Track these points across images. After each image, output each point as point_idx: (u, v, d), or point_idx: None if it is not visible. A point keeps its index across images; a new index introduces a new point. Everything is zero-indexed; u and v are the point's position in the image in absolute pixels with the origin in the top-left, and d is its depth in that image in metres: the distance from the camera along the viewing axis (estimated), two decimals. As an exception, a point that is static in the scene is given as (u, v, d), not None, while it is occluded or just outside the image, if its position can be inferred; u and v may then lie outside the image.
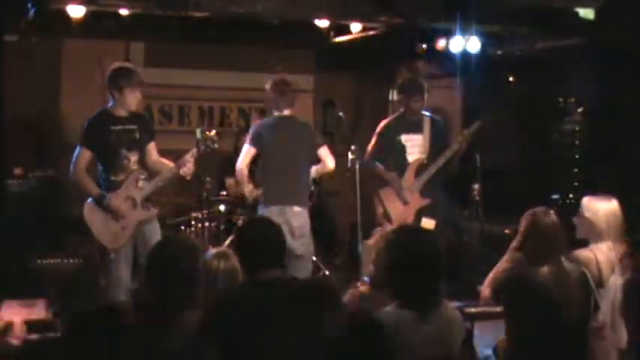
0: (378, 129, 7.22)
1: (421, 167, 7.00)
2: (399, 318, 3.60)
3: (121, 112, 6.07)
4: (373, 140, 7.14)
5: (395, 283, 3.73)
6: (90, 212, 6.02)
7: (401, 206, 6.97)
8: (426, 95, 7.15)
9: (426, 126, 7.04)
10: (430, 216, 6.90)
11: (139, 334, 3.65)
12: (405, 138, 7.03)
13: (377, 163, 7.05)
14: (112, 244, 6.00)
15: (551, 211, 4.42)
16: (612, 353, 4.58)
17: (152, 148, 6.27)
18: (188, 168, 6.10)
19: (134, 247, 6.06)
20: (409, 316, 3.61)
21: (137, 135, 6.12)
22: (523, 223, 4.41)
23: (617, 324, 4.63)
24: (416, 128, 7.04)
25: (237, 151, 8.64)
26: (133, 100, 6.05)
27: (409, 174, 6.98)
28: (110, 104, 6.11)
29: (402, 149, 7.03)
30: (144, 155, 6.18)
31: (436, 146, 7.01)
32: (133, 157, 6.08)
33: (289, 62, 9.55)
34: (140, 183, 6.10)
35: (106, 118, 6.07)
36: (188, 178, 6.22)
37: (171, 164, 6.21)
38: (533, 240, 4.33)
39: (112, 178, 6.04)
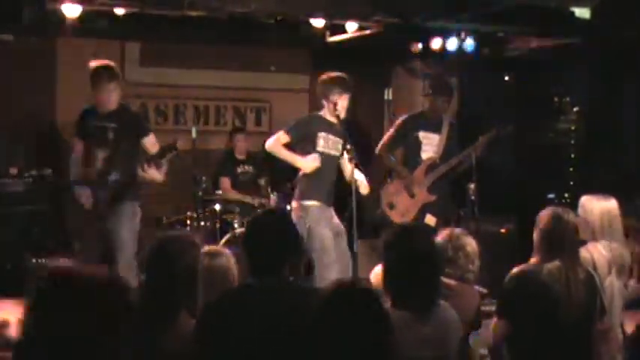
0: (397, 121, 7.34)
1: (433, 165, 7.08)
2: (395, 318, 3.56)
3: (103, 109, 6.18)
4: (389, 132, 7.27)
5: (391, 282, 3.69)
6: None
7: (407, 198, 7.03)
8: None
9: (445, 128, 7.10)
10: (434, 213, 6.96)
11: (135, 332, 3.65)
12: (422, 135, 7.09)
13: (389, 155, 7.16)
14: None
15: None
16: (618, 358, 4.56)
17: (148, 144, 6.22)
18: (151, 173, 6.02)
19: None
20: (405, 316, 3.56)
21: (110, 135, 6.18)
22: (544, 217, 4.29)
23: (615, 325, 4.64)
24: (436, 128, 7.11)
25: (231, 150, 8.67)
26: (104, 97, 6.14)
27: (420, 170, 7.06)
28: None
29: (417, 145, 7.09)
30: (117, 154, 6.17)
31: (450, 148, 7.09)
32: (101, 155, 6.17)
33: (285, 62, 9.57)
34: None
35: (92, 113, 6.25)
36: (160, 180, 6.10)
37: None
38: (552, 234, 4.24)
39: (80, 169, 6.24)
